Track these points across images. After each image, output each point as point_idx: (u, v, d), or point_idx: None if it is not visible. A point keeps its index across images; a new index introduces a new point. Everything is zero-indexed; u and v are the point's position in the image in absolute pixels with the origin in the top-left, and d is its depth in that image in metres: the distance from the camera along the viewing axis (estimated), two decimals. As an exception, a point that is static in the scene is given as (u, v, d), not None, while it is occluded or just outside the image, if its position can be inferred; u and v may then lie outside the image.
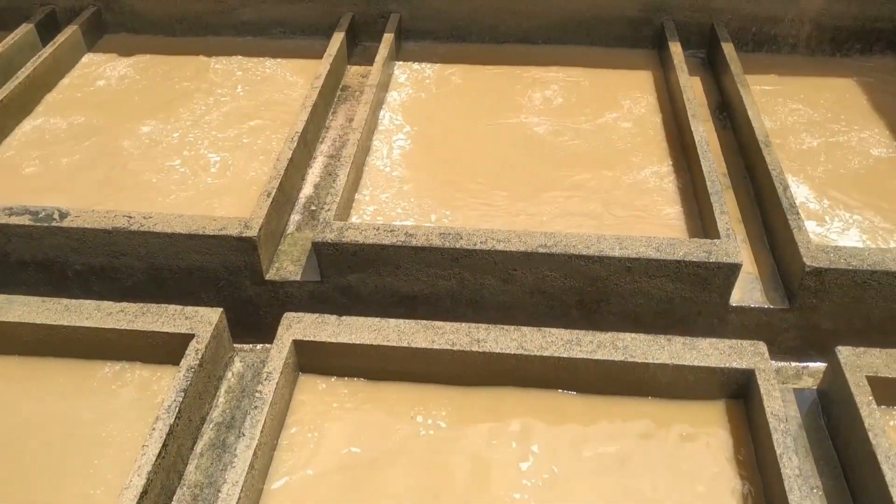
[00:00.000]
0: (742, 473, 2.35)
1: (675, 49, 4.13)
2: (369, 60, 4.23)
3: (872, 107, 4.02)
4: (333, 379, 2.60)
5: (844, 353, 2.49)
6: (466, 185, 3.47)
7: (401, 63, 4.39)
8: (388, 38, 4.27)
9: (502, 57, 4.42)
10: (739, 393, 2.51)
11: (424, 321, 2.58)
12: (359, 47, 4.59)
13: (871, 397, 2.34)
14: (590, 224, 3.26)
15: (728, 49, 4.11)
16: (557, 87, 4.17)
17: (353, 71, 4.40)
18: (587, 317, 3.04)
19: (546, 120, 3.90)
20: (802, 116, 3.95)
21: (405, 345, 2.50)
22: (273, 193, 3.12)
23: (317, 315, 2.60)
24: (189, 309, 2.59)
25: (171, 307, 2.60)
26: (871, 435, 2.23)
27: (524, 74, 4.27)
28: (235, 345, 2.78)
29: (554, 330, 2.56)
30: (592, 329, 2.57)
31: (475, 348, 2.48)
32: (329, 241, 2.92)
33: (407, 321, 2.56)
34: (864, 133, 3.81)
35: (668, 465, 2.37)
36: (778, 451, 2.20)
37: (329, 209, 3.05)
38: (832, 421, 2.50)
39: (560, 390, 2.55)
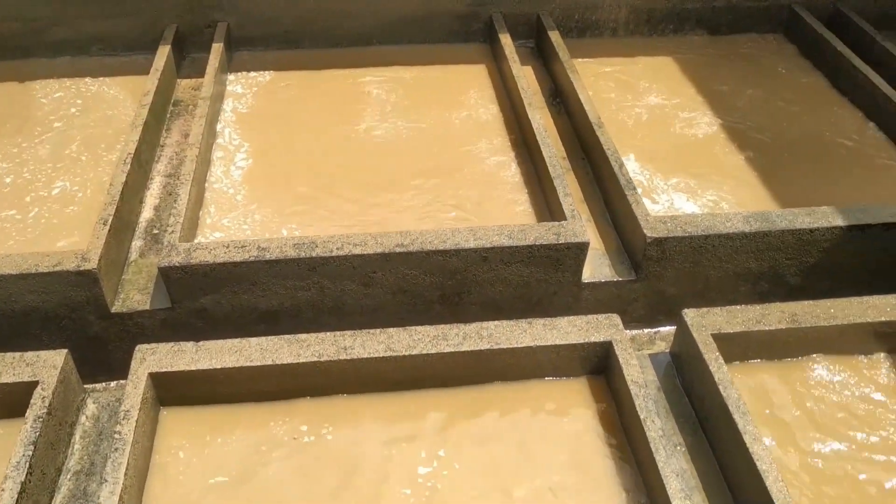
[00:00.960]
0: (611, 441, 2.46)
1: (506, 41, 4.25)
2: (200, 73, 4.08)
3: (690, 81, 4.30)
4: (199, 408, 2.49)
5: (690, 314, 2.65)
6: (316, 194, 3.42)
7: (234, 73, 4.26)
8: (217, 48, 4.13)
9: (339, 60, 4.38)
10: (601, 364, 2.62)
11: (288, 335, 2.52)
12: (187, 60, 4.41)
13: (717, 353, 2.51)
14: (444, 219, 3.29)
15: (555, 37, 4.27)
16: (396, 86, 4.18)
17: (184, 85, 4.22)
18: (451, 310, 3.07)
19: (388, 121, 3.90)
20: (628, 95, 4.17)
21: (270, 362, 2.43)
22: (110, 220, 2.94)
23: (172, 344, 2.47)
24: (29, 354, 2.40)
25: (9, 355, 2.40)
26: (721, 388, 2.39)
27: (362, 77, 4.26)
28: (86, 385, 2.60)
29: (420, 328, 2.57)
30: (457, 322, 2.61)
31: (343, 356, 2.45)
32: (176, 264, 2.78)
33: (269, 338, 2.49)
34: (685, 106, 4.08)
35: (543, 442, 2.44)
36: (641, 416, 2.32)
37: (173, 231, 2.92)
38: (686, 380, 2.66)
39: (435, 388, 2.57)
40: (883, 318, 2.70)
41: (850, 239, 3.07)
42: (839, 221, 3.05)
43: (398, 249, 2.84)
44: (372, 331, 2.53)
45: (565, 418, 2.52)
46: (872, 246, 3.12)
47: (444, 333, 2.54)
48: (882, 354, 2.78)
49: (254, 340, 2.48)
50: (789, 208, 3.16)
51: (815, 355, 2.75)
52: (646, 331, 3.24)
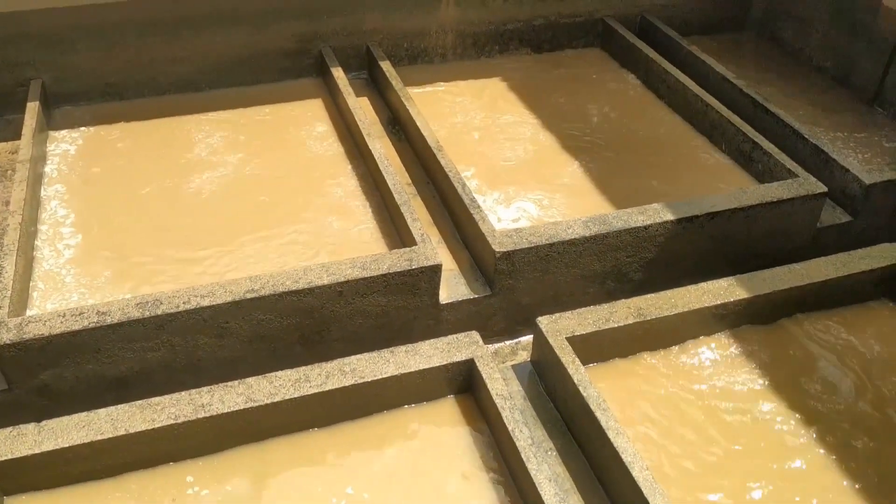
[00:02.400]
0: (485, 456, 2.49)
1: (338, 74, 4.25)
2: (16, 135, 3.82)
3: (521, 97, 4.47)
4: (50, 493, 2.31)
5: (543, 322, 2.74)
6: (155, 251, 3.27)
7: (56, 132, 4.02)
8: (32, 107, 3.88)
9: (167, 109, 4.23)
10: (466, 382, 2.65)
11: (140, 401, 2.38)
12: (1, 122, 4.13)
13: (573, 356, 2.60)
14: (297, 258, 3.24)
15: (386, 66, 4.33)
16: (231, 131, 4.09)
17: (1, 149, 3.94)
18: (313, 350, 3.02)
19: (225, 167, 3.80)
20: (464, 116, 4.28)
21: (123, 433, 2.29)
22: (-75, 305, 2.69)
23: (10, 428, 2.28)
24: None
25: None
26: (581, 388, 2.48)
27: (194, 124, 4.13)
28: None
29: (280, 373, 2.51)
30: (320, 361, 2.57)
31: (201, 415, 2.35)
32: (8, 341, 2.58)
33: (119, 407, 2.35)
34: (519, 122, 4.23)
35: (419, 468, 2.43)
36: (510, 428, 2.36)
37: (0, 307, 2.70)
38: (548, 385, 2.74)
39: (304, 431, 2.51)
40: (718, 301, 2.90)
41: (680, 231, 3.28)
42: (669, 216, 3.25)
43: (249, 295, 2.77)
44: (230, 383, 2.45)
45: (438, 441, 2.53)
46: (701, 235, 3.34)
47: (305, 375, 2.49)
48: (722, 334, 2.98)
49: (103, 412, 2.34)
50: (624, 209, 3.33)
51: (664, 346, 2.91)
52: (507, 343, 3.30)
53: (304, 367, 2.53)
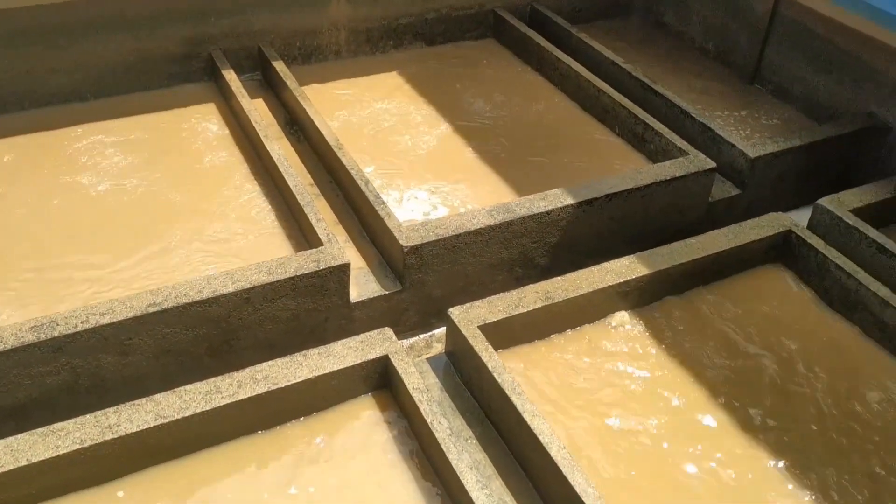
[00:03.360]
0: (406, 449, 2.49)
1: (231, 77, 4.16)
2: None
3: (418, 91, 4.48)
4: (-54, 535, 2.18)
5: (455, 312, 2.76)
6: (49, 268, 3.12)
7: (-74, 152, 3.77)
8: None
9: (52, 121, 4.03)
10: (382, 379, 2.65)
11: (41, 429, 2.27)
12: None
13: (486, 343, 2.64)
14: (199, 267, 3.15)
15: (280, 67, 4.25)
16: (121, 140, 3.93)
17: None
18: (222, 360, 2.95)
19: (119, 179, 3.66)
20: (362, 112, 4.26)
21: (24, 463, 2.18)
22: None
23: None
24: None
25: None
26: (495, 375, 2.51)
27: (81, 136, 3.95)
28: None
29: (190, 386, 2.44)
30: (232, 371, 2.51)
31: (109, 437, 2.26)
32: None
33: (18, 436, 2.24)
34: (418, 115, 4.24)
35: (342, 473, 2.41)
36: (428, 420, 2.37)
37: None
38: (464, 375, 2.77)
39: (220, 444, 2.45)
40: (621, 280, 2.99)
41: (581, 214, 3.36)
42: (569, 200, 3.32)
43: (151, 309, 2.67)
44: (137, 401, 2.36)
45: (358, 440, 2.52)
46: (601, 216, 3.43)
47: (216, 387, 2.43)
48: (626, 313, 3.07)
49: (0, 443, 2.22)
50: (526, 196, 3.38)
51: (573, 327, 2.98)
52: (422, 336, 3.30)
53: (214, 379, 2.46)
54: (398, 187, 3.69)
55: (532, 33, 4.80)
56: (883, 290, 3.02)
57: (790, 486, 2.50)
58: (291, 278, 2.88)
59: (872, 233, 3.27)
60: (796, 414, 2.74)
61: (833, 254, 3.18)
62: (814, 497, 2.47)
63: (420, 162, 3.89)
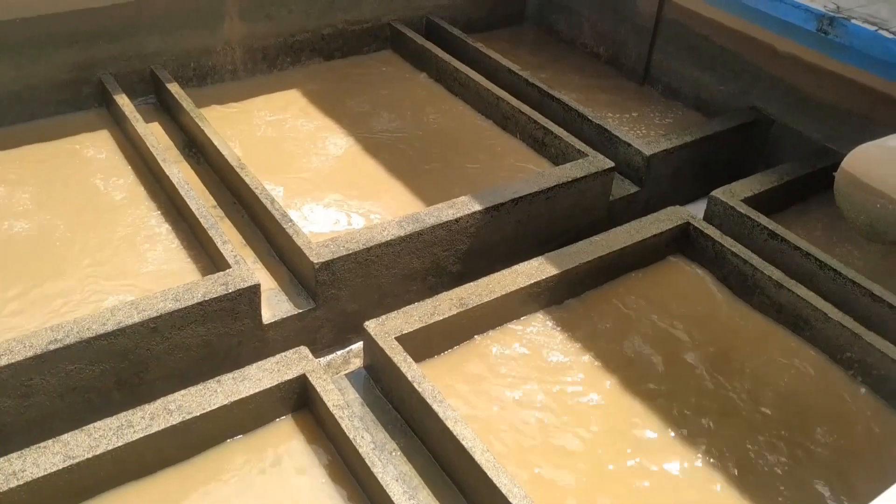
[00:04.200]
0: (330, 467, 2.46)
1: (123, 101, 4.03)
2: None
3: (319, 107, 4.44)
4: None
5: (371, 326, 2.75)
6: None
7: None
8: None
9: (-72, 156, 3.81)
10: (302, 399, 2.61)
11: (-63, 483, 2.14)
12: None
13: (404, 354, 2.64)
14: (103, 298, 3.03)
15: (174, 89, 4.15)
16: (11, 173, 3.74)
17: None
18: (133, 394, 2.84)
19: (9, 213, 3.48)
20: (263, 130, 4.20)
21: (-79, 521, 2.05)
22: None
23: None
24: None
25: None
26: (415, 385, 2.52)
27: (-37, 168, 3.75)
28: None
29: (99, 423, 2.34)
30: (143, 404, 2.42)
31: (14, 483, 2.14)
32: None
33: (-88, 494, 2.10)
34: (321, 130, 4.21)
35: (267, 497, 2.36)
36: (350, 436, 2.35)
37: None
38: (384, 388, 2.76)
39: (137, 479, 2.36)
40: (532, 281, 3.05)
41: (489, 220, 3.41)
42: (477, 206, 3.37)
43: (53, 346, 2.56)
44: (43, 444, 2.25)
45: (282, 463, 2.47)
46: (508, 220, 3.49)
47: (128, 421, 2.34)
48: (539, 313, 3.13)
49: None
50: (434, 205, 3.41)
51: (489, 331, 3.02)
52: (339, 353, 3.27)
53: (125, 413, 2.38)
54: (305, 204, 3.65)
55: (429, 45, 4.85)
56: (777, 273, 3.18)
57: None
58: (200, 303, 2.81)
59: (763, 220, 3.45)
60: (718, 396, 2.86)
61: (729, 242, 3.34)
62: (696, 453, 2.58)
63: (325, 177, 3.87)
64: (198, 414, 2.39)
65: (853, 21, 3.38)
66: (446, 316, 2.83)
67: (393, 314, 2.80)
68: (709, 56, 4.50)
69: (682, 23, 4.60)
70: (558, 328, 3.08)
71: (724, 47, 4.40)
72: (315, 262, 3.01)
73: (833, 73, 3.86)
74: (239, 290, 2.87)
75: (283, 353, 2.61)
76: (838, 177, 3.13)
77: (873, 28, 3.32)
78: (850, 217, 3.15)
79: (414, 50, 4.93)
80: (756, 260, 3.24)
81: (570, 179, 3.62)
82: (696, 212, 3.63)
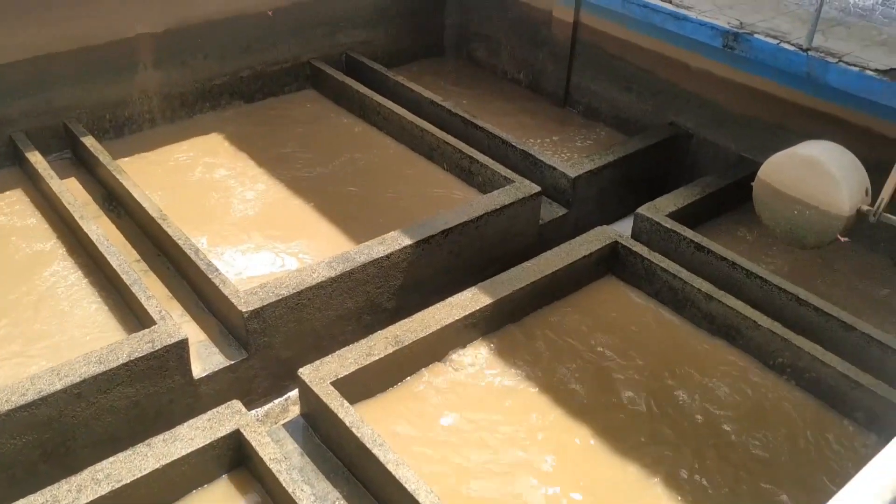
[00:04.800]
0: (273, 526, 2.39)
1: (36, 159, 3.90)
2: None
3: (242, 149, 4.37)
4: None
5: (306, 372, 2.69)
6: None
7: None
8: None
9: None
10: (237, 455, 2.52)
11: None
12: None
13: (341, 399, 2.58)
14: (22, 368, 2.90)
15: (90, 142, 4.03)
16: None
17: None
18: (60, 465, 2.70)
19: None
20: (185, 179, 4.11)
21: None
22: None
23: None
24: None
25: None
26: (354, 430, 2.46)
27: None
28: None
29: (22, 501, 2.22)
30: (72, 475, 2.31)
31: (-71, 577, 2.01)
32: None
33: None
34: (245, 174, 4.14)
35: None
36: (290, 490, 2.28)
37: None
38: (323, 435, 2.69)
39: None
40: (466, 312, 3.03)
41: (420, 253, 3.39)
42: (407, 241, 3.34)
43: (-32, 424, 2.42)
44: (-40, 531, 2.12)
45: (220, 525, 2.38)
46: (440, 252, 3.48)
47: (53, 496, 2.23)
48: (477, 340, 3.11)
49: None
50: (364, 242, 3.37)
51: (428, 366, 2.99)
52: (276, 402, 3.20)
53: (51, 487, 2.26)
54: (230, 251, 3.58)
55: (350, 81, 4.84)
56: (706, 286, 3.23)
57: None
58: (126, 364, 2.70)
59: (689, 233, 3.51)
60: (659, 409, 2.87)
61: (657, 258, 3.38)
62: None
63: (251, 222, 3.80)
64: (128, 481, 2.29)
65: (756, 36, 3.49)
66: (382, 355, 2.78)
67: (328, 358, 2.75)
68: (625, 76, 4.60)
69: (596, 45, 4.69)
70: (497, 358, 3.07)
71: (639, 67, 4.50)
72: (244, 310, 2.93)
73: (744, 85, 3.98)
74: (166, 346, 2.77)
75: (215, 409, 2.53)
76: (755, 187, 3.21)
77: (775, 41, 3.44)
78: (770, 225, 3.24)
79: (335, 87, 4.91)
80: (685, 274, 3.29)
81: (498, 207, 3.63)
82: (624, 229, 3.68)
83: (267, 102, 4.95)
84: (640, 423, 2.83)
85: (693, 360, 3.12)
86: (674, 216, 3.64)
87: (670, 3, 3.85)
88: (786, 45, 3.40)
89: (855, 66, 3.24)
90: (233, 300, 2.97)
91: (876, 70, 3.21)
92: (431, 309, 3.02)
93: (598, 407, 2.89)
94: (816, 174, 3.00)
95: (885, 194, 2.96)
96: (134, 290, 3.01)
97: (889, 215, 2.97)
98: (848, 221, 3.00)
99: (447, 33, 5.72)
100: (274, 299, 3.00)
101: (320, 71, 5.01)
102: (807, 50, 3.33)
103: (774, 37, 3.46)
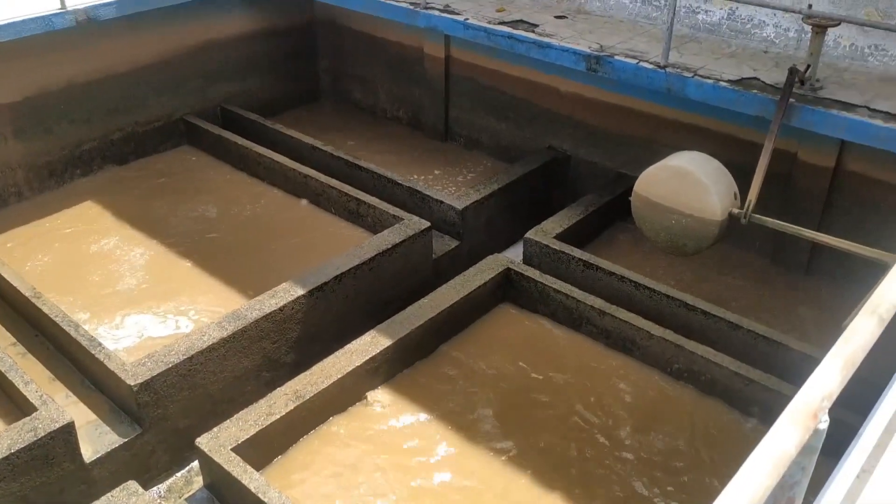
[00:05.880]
0: None
1: None
2: None
3: (117, 216, 4.19)
4: None
5: (204, 441, 2.58)
6: None
7: None
8: None
9: None
10: (139, 540, 2.39)
11: None
12: None
13: (244, 464, 2.48)
14: None
15: (-51, 224, 3.79)
16: None
17: None
18: (-59, 578, 2.49)
19: None
20: (58, 252, 3.90)
21: None
22: None
23: None
24: None
25: None
26: (261, 496, 2.36)
27: None
28: None
29: None
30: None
31: None
32: None
33: None
34: (122, 241, 3.97)
35: None
36: (197, 569, 2.16)
37: None
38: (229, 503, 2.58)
39: None
40: (367, 357, 2.98)
41: (314, 302, 3.33)
42: (299, 291, 3.28)
43: None
44: None
45: None
46: (335, 298, 3.42)
47: None
48: (381, 387, 3.07)
49: None
50: (255, 297, 3.29)
51: (333, 417, 2.91)
52: (179, 474, 3.05)
53: None
54: (115, 322, 3.41)
55: (227, 134, 4.75)
56: (598, 302, 3.30)
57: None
58: (6, 458, 2.52)
59: (577, 252, 3.59)
60: (568, 428, 2.89)
61: (549, 280, 3.44)
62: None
63: (135, 289, 3.64)
64: (17, 587, 2.12)
65: (616, 57, 3.64)
66: (284, 413, 2.70)
67: (226, 423, 2.65)
68: (501, 105, 4.70)
69: (470, 78, 4.78)
70: (403, 399, 3.03)
71: (513, 95, 4.61)
72: (133, 384, 2.79)
73: (612, 104, 4.14)
74: (50, 432, 2.60)
75: (109, 494, 2.38)
76: (633, 201, 3.32)
77: (635, 61, 3.59)
78: (651, 236, 3.35)
79: (212, 142, 4.81)
80: (577, 292, 3.36)
81: (390, 246, 3.61)
82: (516, 255, 3.73)
83: (142, 163, 4.79)
84: (554, 446, 2.85)
85: (594, 375, 3.18)
86: (561, 237, 3.72)
87: (533, 32, 3.96)
88: (645, 64, 3.56)
89: (709, 78, 3.42)
90: (120, 374, 2.82)
91: (728, 81, 3.40)
92: (331, 358, 2.97)
93: (510, 433, 2.89)
94: (687, 183, 3.13)
95: (752, 196, 3.12)
96: (10, 377, 2.82)
97: (758, 216, 3.13)
98: (722, 225, 3.14)
99: (322, 77, 5.71)
100: (164, 368, 2.87)
101: (195, 126, 4.90)
102: (664, 67, 3.49)
103: (633, 57, 3.62)
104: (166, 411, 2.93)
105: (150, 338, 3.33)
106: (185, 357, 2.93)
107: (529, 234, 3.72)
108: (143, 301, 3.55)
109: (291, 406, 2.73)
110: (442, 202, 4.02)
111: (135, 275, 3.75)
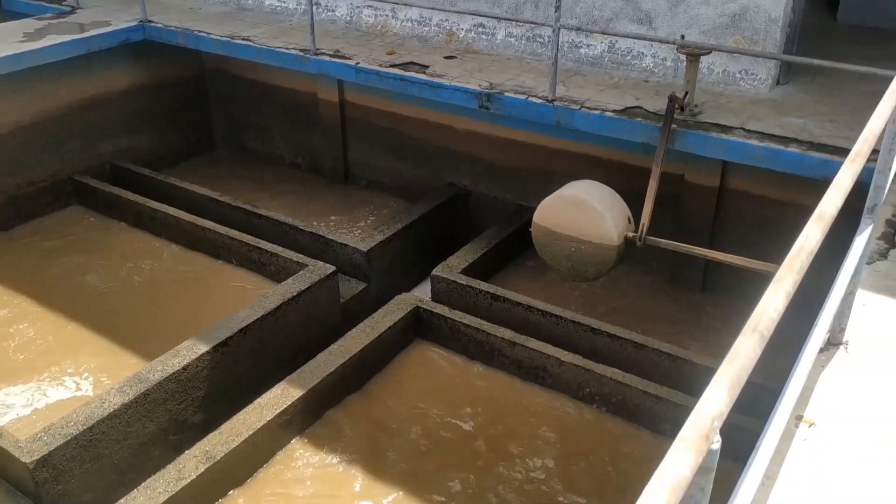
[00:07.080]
0: None
1: None
2: None
3: (2, 283, 3.98)
4: None
5: (110, 515, 2.44)
6: None
7: None
8: None
9: None
10: None
11: None
12: None
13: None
14: None
15: None
16: None
17: None
18: None
19: None
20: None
21: None
22: None
23: None
24: None
25: None
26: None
27: None
28: None
29: None
30: None
31: None
32: None
33: None
34: (10, 316, 3.77)
35: None
36: None
37: None
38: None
39: None
40: (279, 410, 2.90)
41: (220, 357, 3.23)
42: (203, 347, 3.18)
43: None
44: None
45: None
46: (242, 352, 3.33)
47: None
48: (295, 439, 2.99)
49: None
50: (158, 358, 3.16)
51: (251, 475, 2.82)
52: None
53: None
54: (7, 397, 3.22)
55: (118, 190, 4.60)
56: (507, 333, 3.34)
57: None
58: None
59: (483, 285, 3.63)
60: (489, 461, 2.89)
61: (458, 315, 3.46)
62: None
63: (23, 361, 3.45)
64: None
65: (506, 94, 3.74)
66: (194, 476, 2.60)
67: (133, 493, 2.52)
68: (399, 145, 4.73)
69: (366, 120, 4.81)
70: (320, 449, 2.97)
71: (410, 135, 4.65)
72: (28, 461, 2.63)
73: (507, 139, 4.24)
74: (-64, 524, 2.42)
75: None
76: (533, 231, 3.39)
77: (524, 97, 3.70)
78: (554, 264, 3.42)
79: (104, 199, 4.64)
80: (487, 325, 3.39)
81: (295, 293, 3.56)
82: (424, 293, 3.74)
83: (28, 227, 4.57)
84: (469, 483, 2.84)
85: (508, 407, 3.20)
86: (467, 272, 3.76)
87: (425, 73, 4.03)
88: (533, 99, 3.67)
89: (596, 109, 3.55)
90: (13, 451, 2.65)
91: (614, 111, 3.54)
92: (240, 415, 2.88)
93: (432, 471, 2.87)
94: (583, 211, 3.22)
95: (645, 219, 3.24)
96: None
97: (653, 238, 3.25)
98: (619, 249, 3.24)
99: (216, 127, 5.63)
100: (62, 441, 2.71)
101: (84, 185, 4.72)
102: (552, 101, 3.61)
103: (522, 93, 3.72)
104: (68, 487, 2.77)
105: (42, 411, 3.15)
106: (84, 427, 2.78)
107: (436, 271, 3.74)
108: (33, 373, 3.37)
109: (202, 469, 2.62)
110: (346, 245, 4.00)
111: (27, 344, 3.57)
